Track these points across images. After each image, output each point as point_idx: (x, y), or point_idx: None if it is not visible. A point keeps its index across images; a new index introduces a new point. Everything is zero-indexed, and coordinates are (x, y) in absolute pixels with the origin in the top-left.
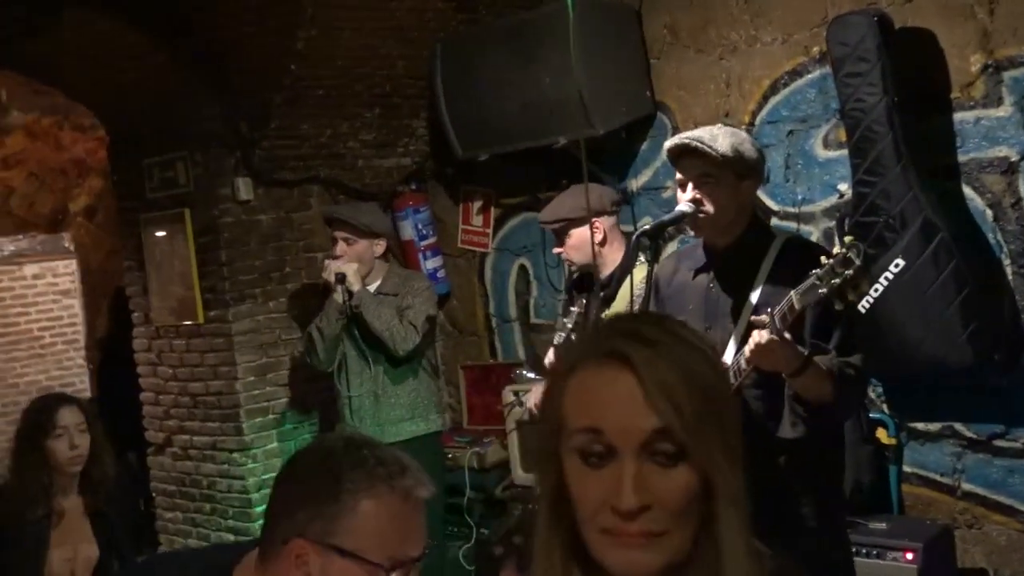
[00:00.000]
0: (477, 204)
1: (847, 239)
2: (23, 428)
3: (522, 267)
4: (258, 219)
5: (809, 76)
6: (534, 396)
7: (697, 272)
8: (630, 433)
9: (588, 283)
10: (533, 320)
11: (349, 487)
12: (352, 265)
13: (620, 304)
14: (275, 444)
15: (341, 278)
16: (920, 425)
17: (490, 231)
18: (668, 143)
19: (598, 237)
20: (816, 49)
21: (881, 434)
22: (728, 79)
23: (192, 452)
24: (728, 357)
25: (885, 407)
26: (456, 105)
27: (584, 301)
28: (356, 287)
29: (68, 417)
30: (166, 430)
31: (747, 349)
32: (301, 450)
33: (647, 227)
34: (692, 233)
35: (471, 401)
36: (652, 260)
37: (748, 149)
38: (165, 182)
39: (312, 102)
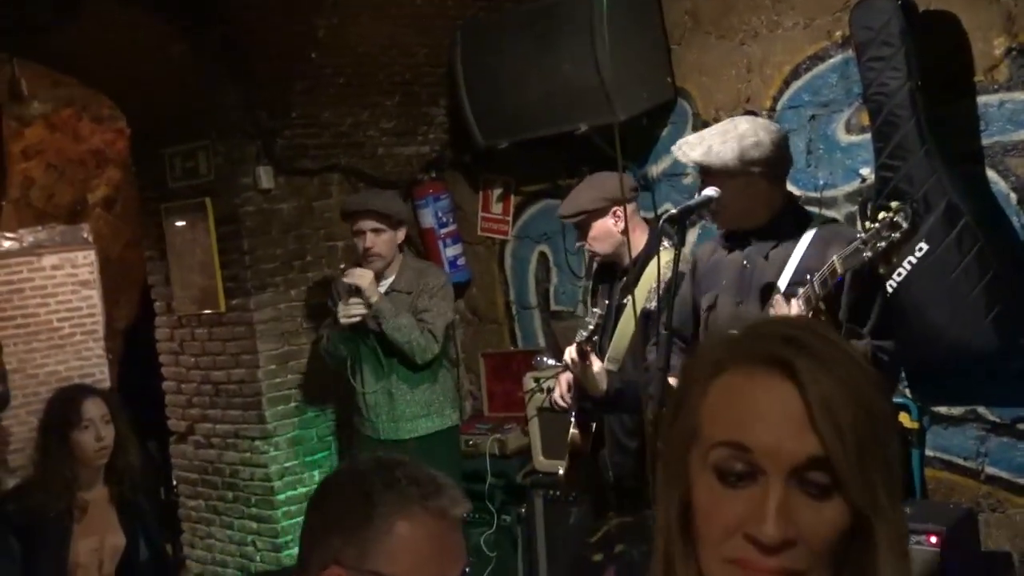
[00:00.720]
0: (497, 192)
1: (894, 204)
2: (48, 420)
3: (542, 254)
4: (279, 208)
5: (831, 61)
6: (560, 387)
7: (732, 249)
8: (783, 455)
9: (611, 272)
10: (553, 307)
11: (382, 510)
12: (367, 275)
13: (643, 289)
14: (297, 432)
15: (355, 290)
16: (943, 409)
17: (510, 219)
18: (675, 150)
19: (620, 225)
20: (838, 34)
21: (904, 418)
22: (749, 64)
23: (214, 440)
24: None
25: (908, 391)
26: (476, 93)
27: (607, 301)
28: (374, 299)
29: (93, 409)
30: (188, 418)
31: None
32: (331, 474)
33: (672, 212)
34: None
35: (492, 388)
36: (679, 245)
37: (762, 146)
38: (186, 172)
39: (332, 91)
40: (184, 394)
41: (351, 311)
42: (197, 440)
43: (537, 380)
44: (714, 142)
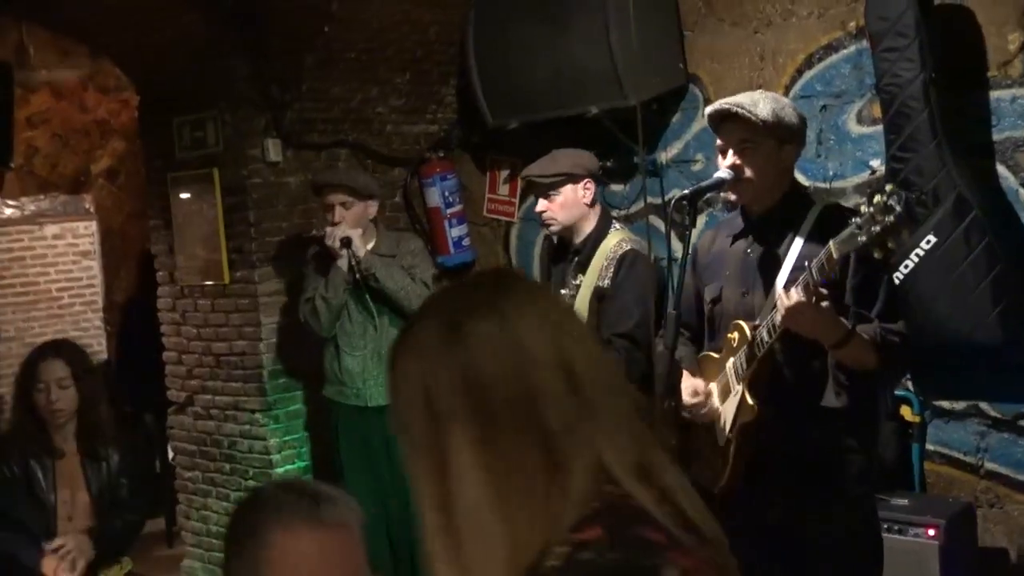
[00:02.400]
0: (504, 173)
1: (888, 187)
2: (16, 378)
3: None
4: (286, 181)
5: (844, 51)
6: None
7: (735, 239)
8: None
9: (563, 253)
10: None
11: (265, 526)
12: (357, 231)
13: (595, 268)
14: (298, 405)
15: (347, 242)
16: (945, 403)
17: (516, 200)
18: (709, 108)
19: (587, 198)
20: (852, 24)
21: (905, 411)
22: (762, 52)
23: (214, 412)
24: (762, 319)
25: (910, 384)
26: (487, 72)
27: (573, 282)
28: (362, 251)
29: (49, 371)
30: (188, 389)
31: (778, 310)
32: (240, 502)
33: (685, 191)
34: (723, 206)
35: None
36: (690, 226)
37: (789, 114)
38: (195, 142)
39: (343, 65)
40: (185, 365)
41: (343, 231)
42: (196, 411)
43: None
44: (746, 98)
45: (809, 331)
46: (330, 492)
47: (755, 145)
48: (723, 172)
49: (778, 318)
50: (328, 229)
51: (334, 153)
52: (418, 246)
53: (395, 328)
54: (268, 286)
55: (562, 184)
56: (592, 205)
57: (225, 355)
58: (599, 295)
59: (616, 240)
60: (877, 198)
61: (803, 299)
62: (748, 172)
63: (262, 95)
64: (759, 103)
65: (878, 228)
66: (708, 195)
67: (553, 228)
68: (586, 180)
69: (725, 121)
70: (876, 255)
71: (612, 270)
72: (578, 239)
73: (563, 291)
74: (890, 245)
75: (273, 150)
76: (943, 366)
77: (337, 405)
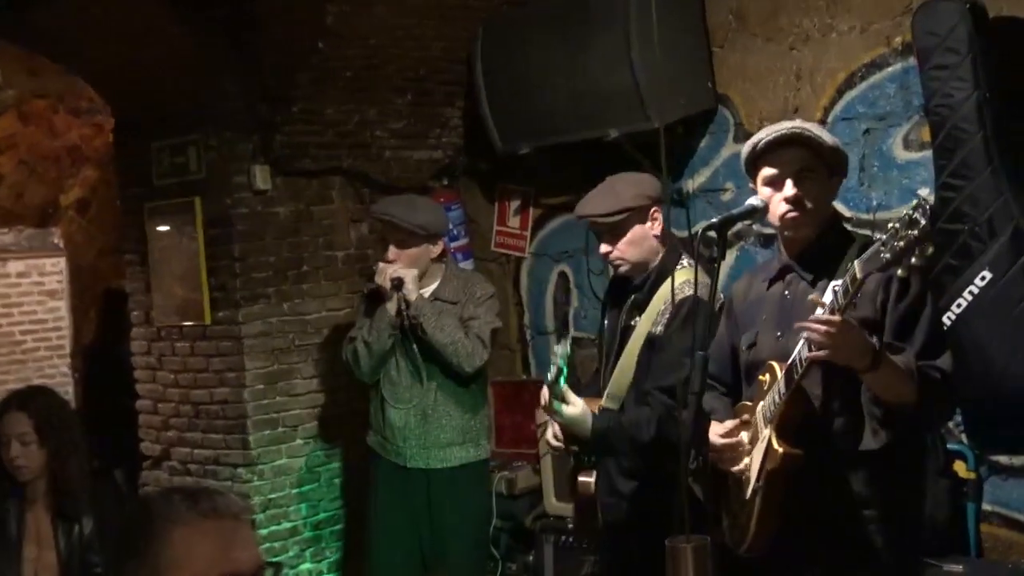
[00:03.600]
0: (514, 204)
1: (914, 200)
2: None
3: (562, 274)
4: (275, 211)
5: (889, 69)
6: (552, 426)
7: (772, 282)
8: None
9: (624, 290)
10: (573, 333)
11: (160, 525)
12: (411, 271)
13: (653, 311)
14: (284, 460)
15: (398, 284)
16: (1003, 458)
17: (528, 234)
18: (764, 133)
19: (656, 229)
20: (898, 40)
21: (959, 467)
22: (799, 71)
23: (192, 467)
24: (792, 355)
25: (964, 437)
26: (497, 93)
27: (569, 337)
28: (413, 296)
29: (10, 426)
30: (164, 442)
31: (805, 333)
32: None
33: (714, 220)
34: (755, 239)
35: (501, 421)
36: (719, 257)
37: (840, 145)
38: (175, 168)
39: (339, 84)
40: (160, 414)
41: (396, 271)
42: (172, 466)
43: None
44: (805, 125)
45: (839, 357)
46: (214, 487)
47: (816, 174)
48: (755, 199)
49: (805, 351)
50: (380, 264)
51: (328, 181)
52: (485, 293)
53: (447, 387)
54: (253, 327)
55: (626, 223)
56: (661, 236)
57: (205, 404)
58: (651, 343)
59: (681, 280)
60: (903, 212)
61: (835, 318)
62: (809, 203)
63: (250, 116)
64: (820, 131)
65: (902, 243)
66: (739, 225)
67: (623, 269)
68: (653, 209)
69: (783, 147)
70: (900, 274)
71: (668, 316)
72: (639, 276)
73: (557, 347)
74: (915, 261)
75: (261, 177)
76: (1001, 416)
77: (378, 457)
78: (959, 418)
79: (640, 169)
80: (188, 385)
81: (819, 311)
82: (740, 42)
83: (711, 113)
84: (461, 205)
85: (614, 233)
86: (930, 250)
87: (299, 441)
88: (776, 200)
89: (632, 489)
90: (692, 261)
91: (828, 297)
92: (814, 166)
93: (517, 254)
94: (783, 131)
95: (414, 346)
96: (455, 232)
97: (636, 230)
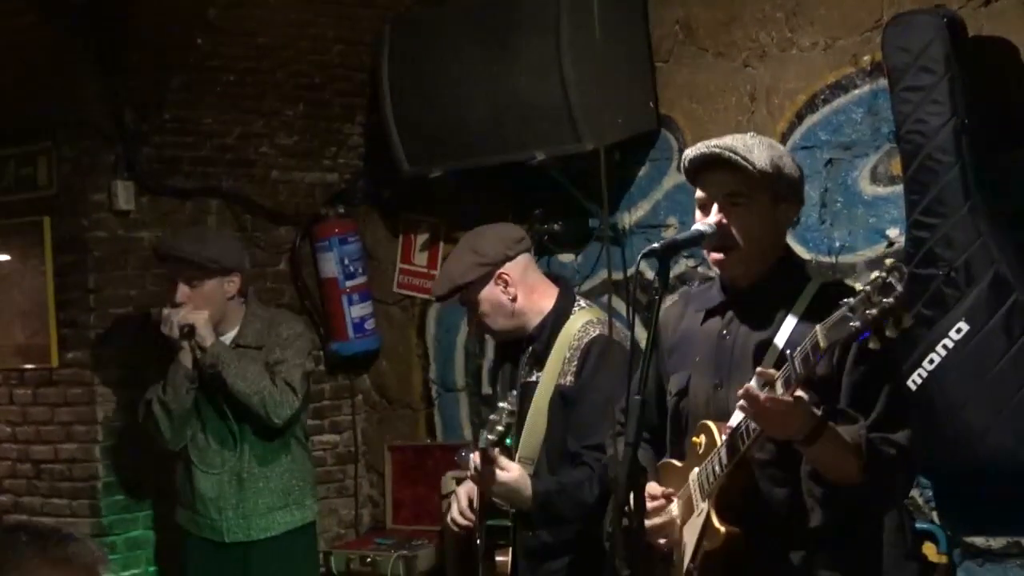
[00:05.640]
0: (422, 238)
1: (887, 261)
2: None
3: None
4: (139, 236)
5: (856, 92)
6: (458, 502)
7: (708, 315)
8: None
9: (517, 347)
10: (486, 390)
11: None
12: (202, 314)
13: (555, 362)
14: (140, 531)
15: (189, 332)
16: (979, 540)
17: (436, 273)
18: (689, 151)
19: (511, 291)
20: (867, 58)
21: (929, 550)
22: (754, 91)
23: None
24: (736, 419)
25: (935, 515)
26: (405, 105)
27: (515, 393)
28: (209, 341)
29: None
30: None
31: (743, 402)
32: None
33: (656, 245)
34: (699, 284)
35: (399, 493)
36: (661, 287)
37: (788, 165)
38: (20, 181)
39: (219, 89)
40: None
41: (184, 316)
42: None
43: (460, 482)
44: (738, 141)
45: (773, 430)
46: (68, 530)
47: (748, 201)
48: (702, 225)
49: (752, 420)
50: (164, 312)
51: (203, 204)
52: (293, 333)
53: (262, 445)
54: (108, 373)
55: (467, 298)
56: (520, 295)
57: (48, 462)
58: (563, 397)
59: (581, 323)
60: (874, 274)
61: (787, 399)
62: (737, 236)
63: (112, 123)
64: (754, 149)
65: (874, 312)
66: (682, 267)
67: (499, 338)
68: (498, 273)
69: (708, 169)
70: (872, 346)
71: (576, 363)
72: (531, 324)
73: (503, 404)
74: (888, 333)
75: (123, 195)
76: (976, 492)
77: (189, 536)
78: (929, 492)
79: (567, 199)
80: (28, 440)
81: (777, 387)
82: (687, 57)
83: (652, 136)
84: (359, 238)
85: (468, 306)
86: (908, 322)
87: (159, 510)
88: (702, 222)
89: (565, 566)
90: (589, 303)
91: (781, 338)
92: (746, 192)
93: (424, 296)
94: (701, 151)
95: (219, 401)
96: (351, 268)
97: (486, 300)
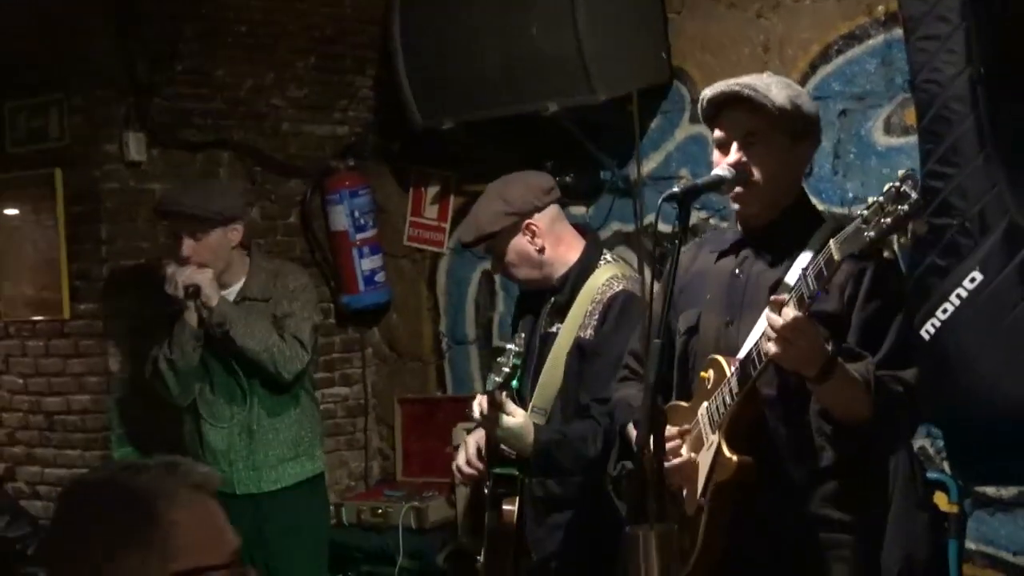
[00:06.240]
0: (432, 191)
1: (901, 171)
2: None
3: (486, 274)
4: (150, 188)
5: (870, 42)
6: (466, 450)
7: (721, 255)
8: None
9: (539, 298)
10: (497, 343)
11: (157, 507)
12: (207, 273)
13: (577, 315)
14: None
15: (194, 292)
16: (990, 490)
17: (447, 226)
18: (708, 90)
19: (539, 242)
20: (881, 8)
21: (940, 499)
22: (767, 42)
23: (42, 489)
24: (745, 350)
25: (946, 465)
26: (417, 57)
27: (523, 335)
28: (214, 301)
29: None
30: (8, 459)
31: (762, 332)
32: (73, 491)
33: (675, 190)
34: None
35: (409, 445)
36: (681, 231)
37: (806, 103)
38: (32, 133)
39: (231, 41)
40: (5, 427)
41: (189, 275)
42: (19, 488)
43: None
44: (756, 80)
45: (786, 361)
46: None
47: (766, 139)
48: (723, 169)
49: (767, 346)
50: (169, 271)
51: (214, 155)
52: (299, 285)
53: (272, 397)
54: (120, 324)
55: (495, 247)
56: (548, 247)
57: (61, 414)
58: (581, 350)
59: (606, 277)
60: (888, 185)
61: (800, 315)
62: (756, 174)
63: (124, 75)
64: (772, 87)
65: (888, 220)
66: (695, 214)
67: (522, 287)
68: (526, 223)
69: (728, 108)
70: (887, 255)
71: (598, 318)
72: (556, 275)
73: (511, 345)
74: (902, 240)
75: (135, 147)
76: (988, 442)
77: None
78: (940, 443)
79: (579, 150)
80: (40, 391)
81: (787, 308)
82: (700, 8)
83: (664, 88)
84: (369, 191)
85: (493, 254)
86: (924, 228)
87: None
88: (722, 164)
89: (569, 519)
90: (616, 257)
91: (794, 276)
92: (765, 130)
93: (434, 249)
94: (721, 89)
95: (227, 357)
96: (361, 222)
97: (513, 250)
